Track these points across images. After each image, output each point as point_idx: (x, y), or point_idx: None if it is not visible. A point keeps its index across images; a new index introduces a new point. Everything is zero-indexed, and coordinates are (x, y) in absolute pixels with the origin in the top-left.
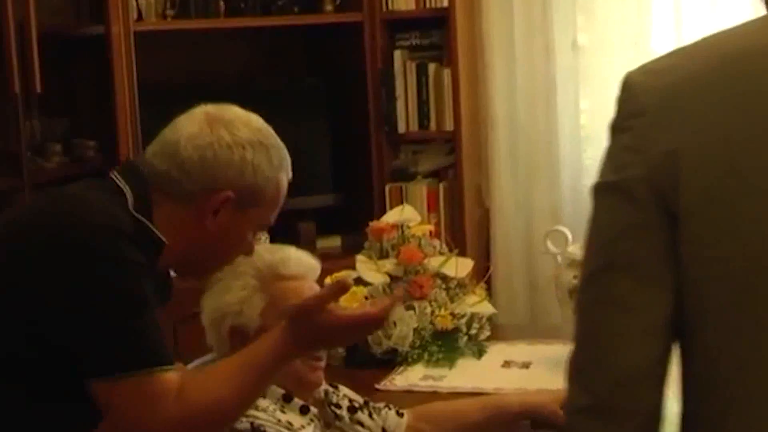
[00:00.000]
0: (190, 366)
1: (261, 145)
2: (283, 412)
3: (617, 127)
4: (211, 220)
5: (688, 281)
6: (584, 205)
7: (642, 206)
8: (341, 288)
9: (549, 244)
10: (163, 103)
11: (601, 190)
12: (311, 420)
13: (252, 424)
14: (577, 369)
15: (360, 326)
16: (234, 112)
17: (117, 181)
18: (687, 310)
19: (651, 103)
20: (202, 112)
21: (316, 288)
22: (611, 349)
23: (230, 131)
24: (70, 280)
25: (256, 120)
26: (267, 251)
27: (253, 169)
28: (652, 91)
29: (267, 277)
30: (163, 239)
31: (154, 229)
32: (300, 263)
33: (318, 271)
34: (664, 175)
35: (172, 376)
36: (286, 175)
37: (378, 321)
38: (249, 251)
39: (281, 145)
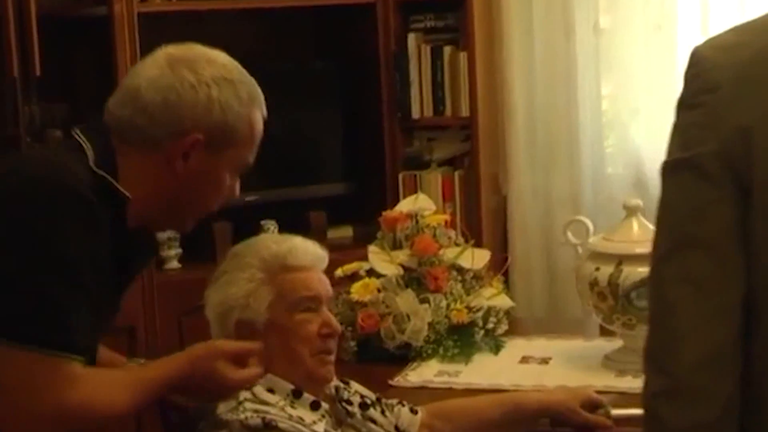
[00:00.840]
0: None
1: (227, 81)
2: (293, 407)
3: (686, 104)
4: (182, 165)
5: (758, 258)
6: (606, 195)
7: (715, 182)
8: (257, 351)
9: (569, 234)
10: None
11: (671, 168)
12: (323, 416)
13: (264, 419)
14: (653, 351)
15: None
16: (197, 50)
17: (78, 139)
18: (754, 290)
19: (723, 78)
20: (162, 53)
21: (324, 279)
22: (688, 329)
23: (193, 70)
24: None
25: (220, 56)
26: (273, 242)
27: (221, 107)
28: (724, 66)
29: (274, 269)
30: (127, 194)
31: (117, 184)
32: (307, 253)
33: (326, 261)
34: (737, 150)
35: (74, 368)
36: (259, 111)
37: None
38: (231, 195)
39: (250, 80)
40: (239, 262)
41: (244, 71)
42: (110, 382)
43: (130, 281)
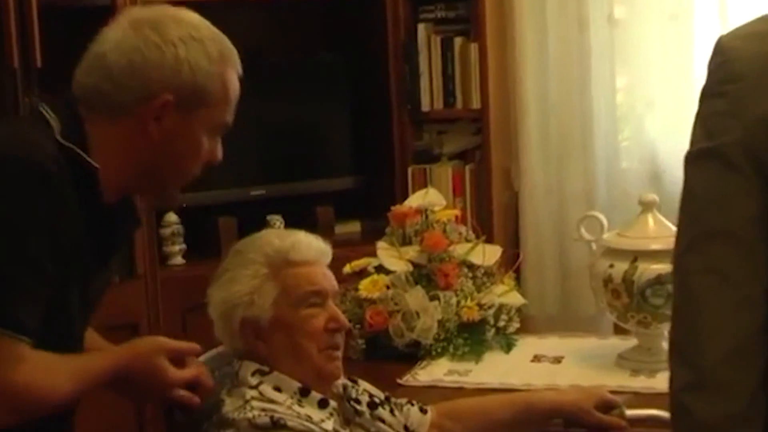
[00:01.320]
0: (201, 358)
1: (194, 39)
2: (300, 405)
3: (710, 93)
4: (155, 129)
5: None
6: (620, 190)
7: (739, 171)
8: (196, 351)
9: (582, 230)
10: None
11: (695, 157)
12: (331, 414)
13: (272, 417)
14: (678, 344)
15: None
16: (162, 10)
17: (44, 112)
18: None
19: (748, 68)
20: (126, 16)
21: (329, 273)
22: (713, 321)
23: (158, 31)
24: None
25: (188, 15)
26: (276, 237)
27: (190, 66)
28: (748, 57)
29: (278, 264)
30: (95, 165)
31: (85, 155)
32: (311, 248)
33: (330, 256)
34: (761, 140)
35: (21, 348)
36: (233, 70)
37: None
38: (212, 158)
39: (220, 37)
40: (242, 258)
41: (215, 30)
42: (55, 367)
43: (115, 253)
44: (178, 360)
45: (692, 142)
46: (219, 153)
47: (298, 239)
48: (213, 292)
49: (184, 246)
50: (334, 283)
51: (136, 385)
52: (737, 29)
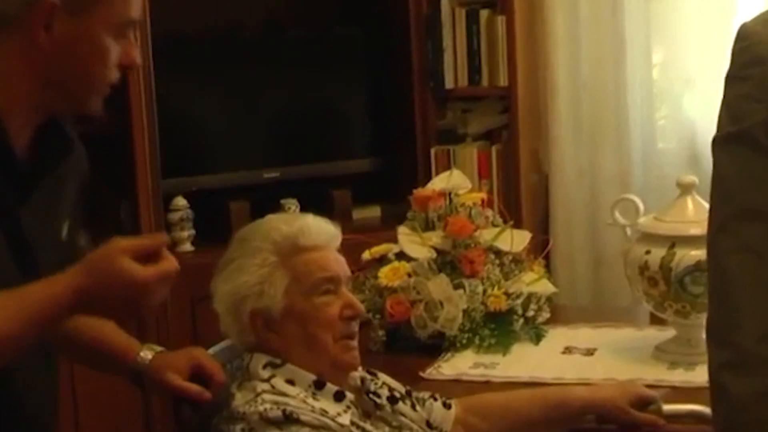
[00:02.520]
0: (210, 351)
1: None
2: (315, 399)
3: (734, 77)
4: (46, 38)
5: None
6: (657, 172)
7: (767, 152)
8: (164, 243)
9: (617, 214)
10: (179, 58)
11: (722, 142)
12: (348, 407)
13: (284, 411)
14: (715, 324)
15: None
16: None
17: None
18: None
19: None
20: None
21: (340, 258)
22: (750, 299)
23: None
24: None
25: None
26: (283, 222)
27: None
28: None
29: (286, 251)
30: None
31: None
32: (320, 232)
33: (339, 239)
34: None
35: None
36: None
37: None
38: (128, 61)
39: None
40: (247, 247)
41: None
42: None
43: (46, 177)
44: (147, 258)
45: (719, 127)
46: (135, 55)
47: (306, 223)
48: (218, 284)
49: (193, 232)
50: (347, 267)
51: (105, 302)
52: (760, 14)
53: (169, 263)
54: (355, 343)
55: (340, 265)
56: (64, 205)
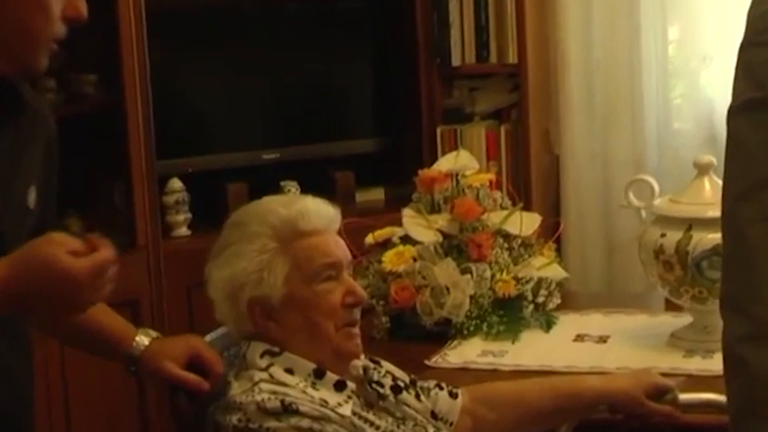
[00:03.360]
0: (207, 338)
1: None
2: (315, 388)
3: (753, 43)
4: None
5: None
6: (672, 153)
7: None
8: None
9: (631, 196)
10: (174, 33)
11: (743, 110)
12: (349, 397)
13: (282, 402)
14: (732, 295)
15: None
16: None
17: None
18: None
19: None
20: None
21: (341, 241)
22: None
23: None
24: None
25: None
26: (280, 205)
27: None
28: None
29: (286, 236)
30: None
31: None
32: (320, 215)
33: (339, 222)
34: None
35: None
36: None
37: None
38: (74, 14)
39: None
40: (244, 231)
41: None
42: None
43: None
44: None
45: (736, 96)
46: (81, 7)
47: (305, 206)
48: (213, 270)
49: (189, 215)
50: (347, 251)
51: (38, 295)
52: None
53: (104, 254)
54: (357, 330)
55: (341, 249)
56: (28, 169)
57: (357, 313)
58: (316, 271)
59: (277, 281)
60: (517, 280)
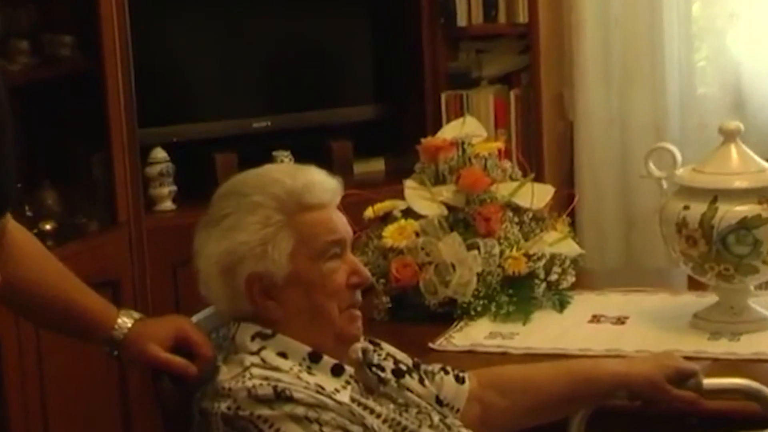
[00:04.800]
0: (194, 318)
1: None
2: (310, 373)
3: None
4: None
5: None
6: (696, 119)
7: None
8: None
9: (651, 165)
10: None
11: None
12: (347, 382)
13: (275, 388)
14: None
15: None
16: None
17: None
18: None
19: None
20: None
21: (343, 217)
22: None
23: None
24: None
25: None
26: (285, 175)
27: None
28: None
29: (291, 209)
30: None
31: None
32: (325, 188)
33: (340, 195)
34: None
35: None
36: None
37: None
38: None
39: None
40: (245, 201)
41: None
42: None
43: None
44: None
45: None
46: None
47: (311, 178)
48: (208, 242)
49: (174, 188)
50: (349, 228)
51: None
52: None
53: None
54: (359, 313)
55: (344, 225)
56: None
57: (359, 294)
58: (322, 248)
59: (282, 257)
60: (528, 256)
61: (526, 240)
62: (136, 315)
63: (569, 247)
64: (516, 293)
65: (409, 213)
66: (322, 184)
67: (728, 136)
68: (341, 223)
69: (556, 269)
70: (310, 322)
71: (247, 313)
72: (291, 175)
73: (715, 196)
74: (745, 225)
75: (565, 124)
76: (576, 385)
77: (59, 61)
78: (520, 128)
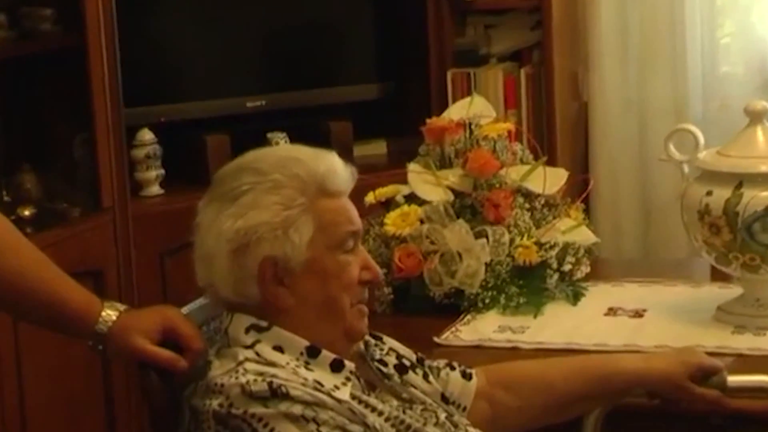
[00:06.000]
0: (184, 310)
1: None
2: (308, 368)
3: None
4: None
5: None
6: (719, 100)
7: None
8: None
9: (672, 148)
10: None
11: None
12: (347, 378)
13: (270, 384)
14: None
15: None
16: None
17: None
18: None
19: None
20: None
21: (355, 209)
22: None
23: None
24: None
25: None
26: (306, 156)
27: None
28: None
29: (312, 193)
30: None
31: None
32: (345, 176)
33: (353, 184)
34: None
35: None
36: None
37: None
38: None
39: None
40: (265, 179)
41: None
42: None
43: None
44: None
45: None
46: None
47: (333, 164)
48: (220, 217)
49: (161, 171)
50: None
51: None
52: None
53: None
54: (367, 309)
55: (357, 216)
56: None
57: (367, 291)
58: (341, 238)
59: (302, 243)
60: (540, 245)
61: (538, 228)
62: (121, 307)
63: (583, 235)
64: (527, 284)
65: (412, 198)
66: (342, 170)
67: (754, 118)
68: (356, 214)
69: (570, 259)
70: (321, 314)
71: (252, 299)
72: (312, 157)
73: (740, 181)
74: None
75: (580, 104)
76: (591, 382)
77: (39, 36)
78: (532, 109)
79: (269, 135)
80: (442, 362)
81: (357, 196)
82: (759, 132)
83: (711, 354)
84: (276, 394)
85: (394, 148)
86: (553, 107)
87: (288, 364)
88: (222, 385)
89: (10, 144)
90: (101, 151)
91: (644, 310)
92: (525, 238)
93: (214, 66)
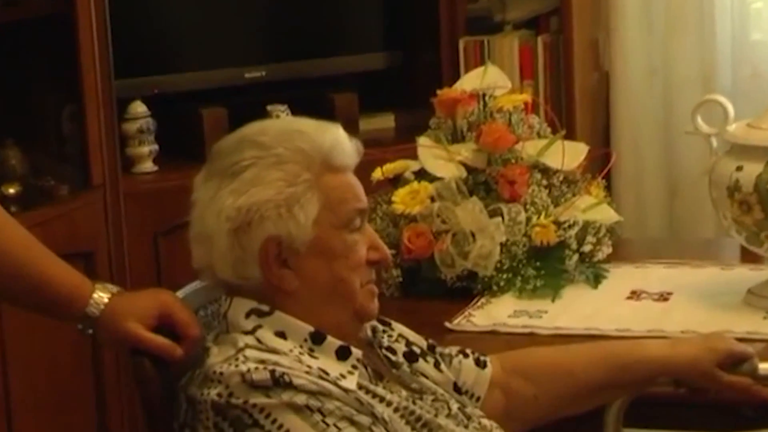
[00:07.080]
0: (180, 293)
1: None
2: (312, 356)
3: None
4: None
5: None
6: (750, 69)
7: None
8: None
9: (699, 121)
10: None
11: None
12: (354, 366)
13: (273, 373)
14: None
15: None
16: None
17: None
18: None
19: None
20: None
21: (361, 185)
22: None
23: None
24: None
25: None
26: (312, 128)
27: None
28: None
29: (317, 168)
30: None
31: None
32: (351, 150)
33: (359, 158)
34: None
35: None
36: None
37: None
38: None
39: None
40: (267, 153)
41: None
42: None
43: None
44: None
45: None
46: None
47: (338, 138)
48: (220, 193)
49: (155, 146)
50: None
51: None
52: None
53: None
54: (377, 289)
55: (364, 193)
56: None
57: (374, 273)
58: (349, 216)
59: (308, 221)
60: (558, 224)
61: (556, 206)
62: (114, 289)
63: (605, 214)
64: (544, 266)
65: (422, 175)
66: (347, 145)
67: None
68: (362, 190)
69: (590, 239)
70: (328, 296)
71: (253, 281)
72: (316, 129)
73: None
74: None
75: (600, 74)
76: (613, 370)
77: (24, 2)
78: (549, 79)
79: (269, 108)
80: (454, 349)
81: (363, 172)
82: None
83: (741, 340)
84: (278, 382)
85: (403, 121)
86: (572, 77)
87: (291, 351)
88: (221, 374)
89: None
90: (91, 124)
91: (670, 294)
92: (542, 217)
93: (211, 34)
